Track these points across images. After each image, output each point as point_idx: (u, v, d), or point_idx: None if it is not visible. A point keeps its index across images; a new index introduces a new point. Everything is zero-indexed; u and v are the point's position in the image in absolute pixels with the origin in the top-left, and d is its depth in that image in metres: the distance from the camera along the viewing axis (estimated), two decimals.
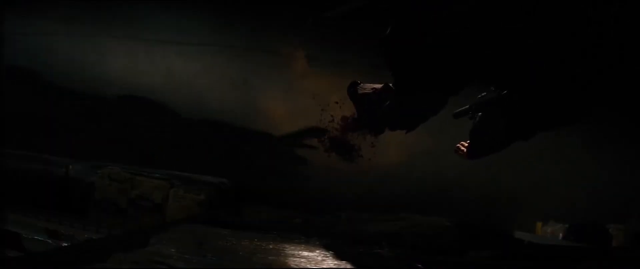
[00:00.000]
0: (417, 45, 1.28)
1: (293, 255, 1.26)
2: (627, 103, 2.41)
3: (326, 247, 1.41)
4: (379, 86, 1.68)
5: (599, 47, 1.26)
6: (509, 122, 1.43)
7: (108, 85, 3.00)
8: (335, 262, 1.24)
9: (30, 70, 3.09)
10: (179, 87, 2.92)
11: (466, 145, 1.65)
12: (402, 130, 1.65)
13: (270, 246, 1.33)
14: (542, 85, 1.33)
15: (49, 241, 2.14)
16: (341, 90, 1.71)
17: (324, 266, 1.20)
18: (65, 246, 2.07)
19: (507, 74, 1.35)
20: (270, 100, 2.83)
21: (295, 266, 1.17)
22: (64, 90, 3.04)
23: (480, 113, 1.53)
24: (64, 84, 3.04)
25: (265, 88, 2.85)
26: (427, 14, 1.26)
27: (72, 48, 3.06)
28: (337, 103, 2.63)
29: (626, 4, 1.24)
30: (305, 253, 1.29)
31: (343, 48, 2.76)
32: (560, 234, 2.24)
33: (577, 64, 1.28)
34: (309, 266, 1.18)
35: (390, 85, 1.61)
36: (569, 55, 1.26)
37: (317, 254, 1.29)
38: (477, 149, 1.60)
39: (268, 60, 2.85)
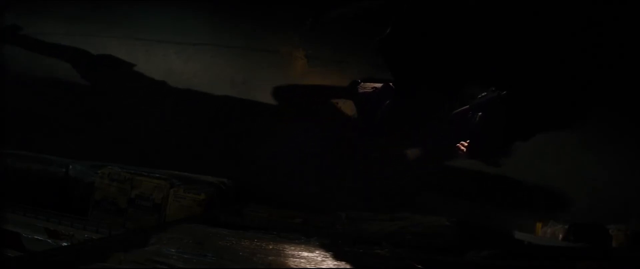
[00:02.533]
0: (418, 44, 1.29)
1: (293, 255, 1.26)
2: (627, 103, 2.42)
3: (326, 247, 1.41)
4: (379, 85, 1.69)
5: (599, 47, 1.26)
6: (508, 122, 1.44)
7: (108, 85, 3.00)
8: (335, 262, 1.24)
9: (30, 70, 3.09)
10: (178, 87, 2.92)
11: (466, 144, 1.66)
12: (400, 132, 1.65)
13: (270, 247, 1.33)
14: (542, 85, 1.33)
15: (49, 241, 2.14)
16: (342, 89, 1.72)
17: (324, 267, 1.20)
18: (65, 246, 2.07)
19: (508, 73, 1.35)
20: (270, 100, 2.83)
21: (295, 267, 1.17)
22: (63, 89, 3.04)
23: (480, 113, 1.54)
24: (64, 84, 3.04)
25: (265, 87, 2.84)
26: (428, 14, 1.26)
27: (72, 48, 3.06)
28: (337, 103, 2.63)
29: (626, 4, 1.24)
30: (305, 254, 1.29)
31: (343, 47, 2.76)
32: (560, 235, 2.24)
33: (577, 64, 1.28)
34: (308, 266, 1.19)
35: (391, 84, 1.61)
36: (569, 55, 1.26)
37: (317, 255, 1.29)
38: (477, 148, 1.61)
39: (268, 60, 2.86)
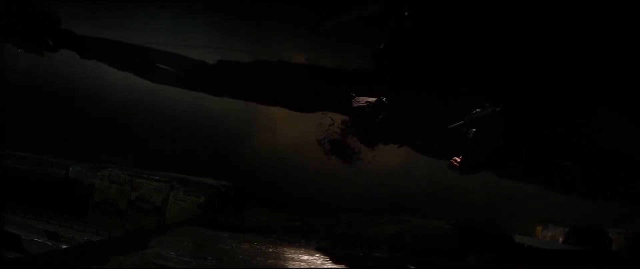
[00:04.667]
0: (412, 57, 1.29)
1: (292, 258, 1.26)
2: (627, 103, 2.41)
3: (326, 250, 1.41)
4: (373, 99, 1.69)
5: (600, 48, 1.26)
6: (504, 137, 1.44)
7: (108, 87, 3.00)
8: (335, 265, 1.24)
9: (30, 71, 3.09)
10: (178, 89, 2.92)
11: (459, 160, 1.65)
12: (394, 144, 1.65)
13: (270, 250, 1.33)
14: (541, 88, 1.32)
15: (49, 243, 2.14)
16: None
17: None
18: (65, 248, 2.07)
19: (505, 78, 1.35)
20: (270, 102, 2.83)
21: None
22: (64, 91, 3.04)
23: (474, 129, 1.54)
24: (64, 86, 3.04)
25: (265, 89, 2.84)
26: (428, 20, 1.26)
27: (72, 49, 3.06)
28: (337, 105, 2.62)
29: (626, 5, 1.24)
30: (305, 257, 1.29)
31: (343, 51, 2.76)
32: (561, 239, 2.23)
33: (577, 65, 1.28)
34: None
35: (384, 99, 1.62)
36: (569, 56, 1.26)
37: (316, 258, 1.29)
38: (469, 164, 1.61)
39: (268, 63, 2.85)
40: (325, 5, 2.30)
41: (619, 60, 1.31)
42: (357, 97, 1.74)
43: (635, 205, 2.43)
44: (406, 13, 1.24)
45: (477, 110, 1.51)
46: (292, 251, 1.34)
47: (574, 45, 1.24)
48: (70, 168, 2.48)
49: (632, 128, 2.54)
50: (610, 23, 1.25)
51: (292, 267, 1.19)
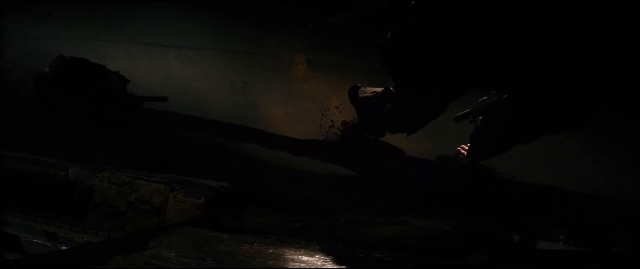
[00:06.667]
0: (417, 50, 1.29)
1: (292, 259, 1.26)
2: (628, 103, 2.40)
3: (326, 251, 1.41)
4: (379, 90, 1.70)
5: (602, 48, 1.26)
6: (510, 125, 1.44)
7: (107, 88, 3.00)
8: (335, 266, 1.23)
9: (30, 72, 3.09)
10: (178, 90, 2.92)
11: (467, 148, 1.66)
12: (402, 133, 1.65)
13: (270, 251, 1.33)
14: (544, 87, 1.33)
15: (48, 244, 2.14)
16: (342, 94, 1.71)
17: None
18: (64, 249, 2.07)
19: (508, 76, 1.35)
20: (270, 104, 2.84)
21: None
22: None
23: (481, 117, 1.54)
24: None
25: (265, 92, 2.85)
26: (428, 18, 1.26)
27: (73, 52, 3.06)
28: (337, 108, 2.63)
29: (627, 4, 1.24)
30: (305, 258, 1.29)
31: (344, 52, 2.76)
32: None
33: (580, 65, 1.28)
34: None
35: (391, 88, 1.62)
36: (572, 57, 1.26)
37: (316, 259, 1.29)
38: (478, 153, 1.61)
39: (268, 64, 2.86)
40: (326, 5, 2.31)
41: (619, 60, 1.31)
42: (363, 88, 1.75)
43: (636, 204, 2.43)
44: (413, 1, 1.24)
45: (484, 98, 1.51)
46: (292, 252, 1.34)
47: (576, 45, 1.24)
48: (70, 169, 2.48)
49: (633, 129, 2.54)
50: (610, 23, 1.25)
51: (292, 268, 1.19)
